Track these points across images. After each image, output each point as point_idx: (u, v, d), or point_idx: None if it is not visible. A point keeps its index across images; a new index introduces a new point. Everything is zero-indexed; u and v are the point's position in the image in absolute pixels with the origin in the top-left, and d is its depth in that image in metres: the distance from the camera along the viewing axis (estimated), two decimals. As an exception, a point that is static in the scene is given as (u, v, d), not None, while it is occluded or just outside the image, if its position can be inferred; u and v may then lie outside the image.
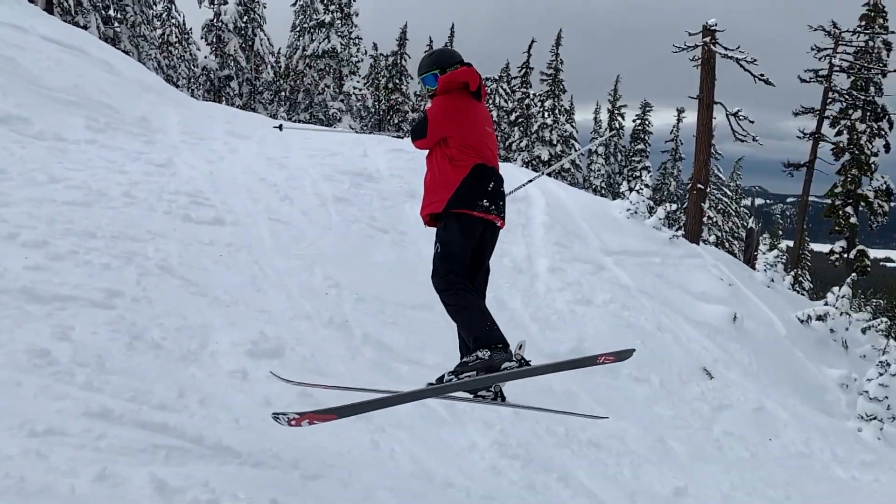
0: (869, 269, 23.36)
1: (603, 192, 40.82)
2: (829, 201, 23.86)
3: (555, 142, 35.51)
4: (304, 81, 33.28)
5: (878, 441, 9.22)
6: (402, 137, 4.13)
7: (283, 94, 34.06)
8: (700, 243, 16.52)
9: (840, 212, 23.09)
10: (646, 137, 42.58)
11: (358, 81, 33.82)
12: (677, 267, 13.88)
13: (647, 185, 17.48)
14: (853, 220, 23.03)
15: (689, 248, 15.29)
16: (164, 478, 3.03)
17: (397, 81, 36.61)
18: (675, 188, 43.96)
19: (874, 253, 27.00)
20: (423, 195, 3.74)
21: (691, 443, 7.51)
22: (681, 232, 14.32)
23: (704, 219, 21.77)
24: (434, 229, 3.74)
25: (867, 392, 10.06)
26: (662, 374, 9.29)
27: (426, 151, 3.80)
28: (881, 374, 10.26)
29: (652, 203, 19.01)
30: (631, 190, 17.75)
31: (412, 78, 37.02)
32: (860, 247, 23.14)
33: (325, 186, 10.31)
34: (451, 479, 4.06)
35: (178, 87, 27.86)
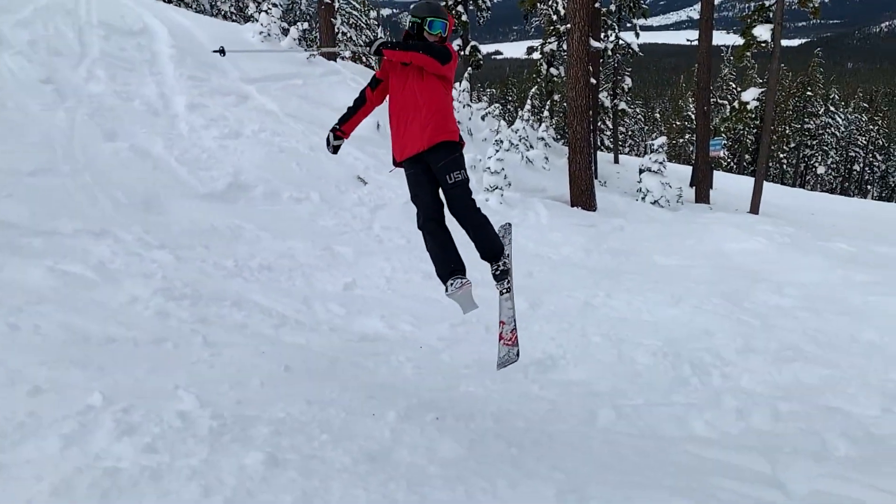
0: (482, 62, 26.43)
1: (234, 17, 38.14)
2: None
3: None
4: None
5: (500, 205, 11.14)
6: (369, 54, 3.54)
7: None
8: (337, 60, 16.81)
9: (453, 11, 25.18)
10: (269, -47, 39.96)
11: None
12: (318, 86, 14.08)
13: (275, 5, 16.83)
14: (464, 17, 25.36)
15: (328, 66, 15.49)
16: None
17: None
18: (306, 6, 42.97)
19: (485, 48, 30.45)
20: (433, 120, 3.81)
21: (355, 244, 8.21)
22: (318, 51, 14.34)
23: (339, 35, 21.95)
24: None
25: (489, 168, 11.89)
26: (321, 190, 9.74)
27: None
28: (497, 151, 12.15)
29: (285, 24, 18.45)
30: (260, 11, 16.91)
31: None
32: (473, 43, 25.84)
33: None
34: (113, 335, 3.89)
35: None
